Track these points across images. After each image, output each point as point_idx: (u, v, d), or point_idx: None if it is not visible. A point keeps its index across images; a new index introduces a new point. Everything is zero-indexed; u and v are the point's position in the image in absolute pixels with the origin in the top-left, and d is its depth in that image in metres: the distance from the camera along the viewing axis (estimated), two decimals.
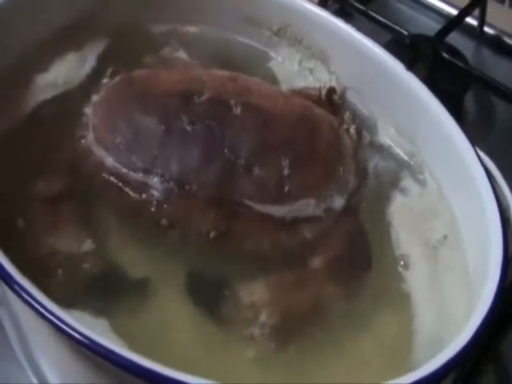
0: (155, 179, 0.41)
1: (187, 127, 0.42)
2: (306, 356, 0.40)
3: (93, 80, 0.48)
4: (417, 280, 0.44)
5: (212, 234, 0.41)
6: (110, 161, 0.42)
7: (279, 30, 0.53)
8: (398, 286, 0.44)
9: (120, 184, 0.42)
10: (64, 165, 0.43)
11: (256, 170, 0.41)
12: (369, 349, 0.41)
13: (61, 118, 0.46)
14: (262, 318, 0.40)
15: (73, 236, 0.41)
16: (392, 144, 0.50)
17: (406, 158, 0.50)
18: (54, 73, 0.48)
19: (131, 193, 0.41)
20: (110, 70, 0.47)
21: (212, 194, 0.41)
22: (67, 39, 0.49)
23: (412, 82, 0.48)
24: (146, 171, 0.41)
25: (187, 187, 0.41)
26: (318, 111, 0.46)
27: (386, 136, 0.50)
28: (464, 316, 0.40)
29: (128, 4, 0.52)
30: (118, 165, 0.42)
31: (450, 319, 0.42)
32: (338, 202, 0.44)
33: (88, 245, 0.41)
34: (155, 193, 0.41)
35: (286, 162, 0.42)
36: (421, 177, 0.49)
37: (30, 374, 0.44)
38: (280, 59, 0.54)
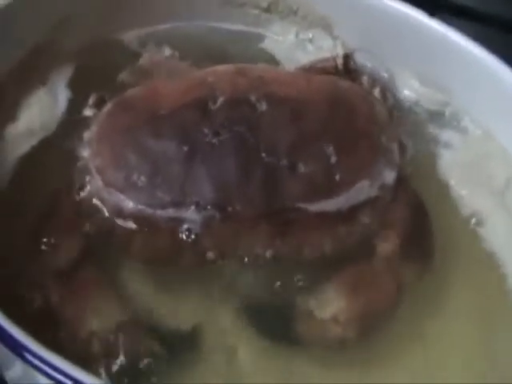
0: (190, 210, 0.36)
1: (213, 140, 0.37)
2: (399, 352, 0.38)
3: (74, 114, 0.42)
4: (495, 234, 0.42)
5: (268, 253, 0.37)
6: (129, 204, 0.37)
7: (270, 4, 0.49)
8: (477, 246, 0.41)
9: (146, 229, 0.37)
10: (69, 226, 0.37)
11: (301, 167, 0.37)
12: (460, 325, 0.39)
13: (50, 170, 0.40)
14: (348, 327, 0.36)
15: (103, 307, 0.36)
16: (419, 98, 0.47)
17: (438, 108, 0.47)
18: (25, 119, 0.42)
19: (163, 234, 0.37)
20: (92, 99, 0.41)
21: (260, 209, 0.36)
22: (28, 75, 0.43)
23: (437, 27, 0.44)
24: (177, 204, 0.36)
25: (229, 209, 0.36)
26: (344, 84, 0.43)
27: (410, 91, 0.47)
28: None
29: (85, 19, 0.46)
30: (140, 206, 0.36)
31: None
32: (390, 176, 0.40)
33: (123, 311, 0.36)
34: (193, 226, 0.36)
35: (330, 149, 0.38)
36: (461, 125, 0.46)
37: None
38: (274, 36, 0.50)
